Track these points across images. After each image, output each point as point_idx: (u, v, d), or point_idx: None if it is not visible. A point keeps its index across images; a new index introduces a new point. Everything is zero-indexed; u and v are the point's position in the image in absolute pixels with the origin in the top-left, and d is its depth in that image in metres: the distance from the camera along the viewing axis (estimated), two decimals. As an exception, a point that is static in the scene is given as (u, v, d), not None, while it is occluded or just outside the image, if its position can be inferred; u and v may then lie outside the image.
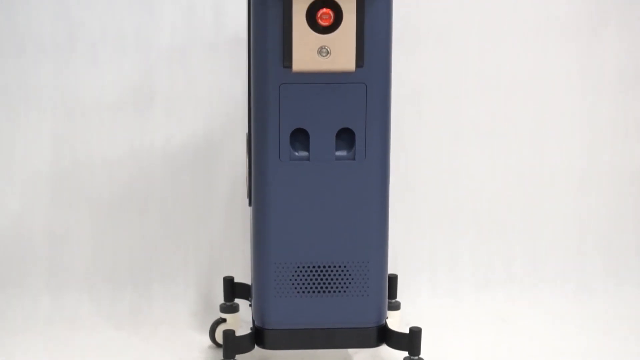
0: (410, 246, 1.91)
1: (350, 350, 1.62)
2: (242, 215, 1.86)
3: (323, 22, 1.36)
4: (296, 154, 1.41)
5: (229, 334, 1.47)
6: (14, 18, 1.81)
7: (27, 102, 1.83)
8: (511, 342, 1.70)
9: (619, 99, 1.91)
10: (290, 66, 1.37)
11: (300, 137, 1.41)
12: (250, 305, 1.56)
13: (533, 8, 1.87)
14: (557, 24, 1.88)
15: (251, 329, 1.49)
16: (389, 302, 1.61)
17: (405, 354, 1.49)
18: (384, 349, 1.54)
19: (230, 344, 1.47)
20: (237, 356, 1.48)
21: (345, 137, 1.41)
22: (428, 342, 1.59)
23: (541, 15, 1.87)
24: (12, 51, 1.82)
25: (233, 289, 1.69)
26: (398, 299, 1.71)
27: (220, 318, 1.67)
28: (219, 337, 1.64)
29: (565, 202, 1.93)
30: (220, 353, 1.59)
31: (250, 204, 1.48)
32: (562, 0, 1.87)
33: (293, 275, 1.45)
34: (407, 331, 1.49)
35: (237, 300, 1.69)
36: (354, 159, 1.42)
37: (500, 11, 1.87)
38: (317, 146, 1.41)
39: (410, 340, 1.48)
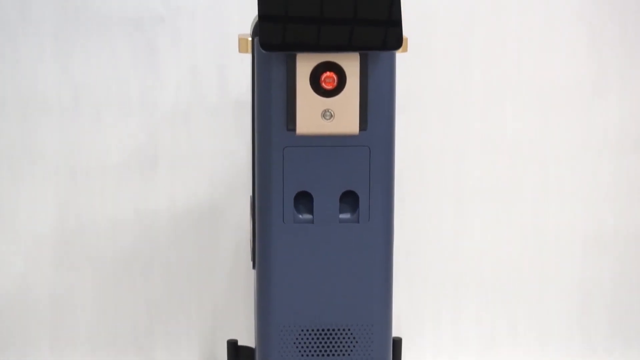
0: (415, 308, 1.90)
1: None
2: (245, 278, 1.86)
3: (327, 86, 1.36)
4: (300, 216, 1.41)
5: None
6: (18, 80, 1.82)
7: (31, 164, 1.84)
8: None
9: (622, 162, 1.91)
10: (294, 129, 1.37)
11: (304, 200, 1.41)
12: (253, 368, 1.56)
13: (535, 71, 1.88)
14: (559, 87, 1.89)
15: (255, 392, 1.49)
16: (393, 365, 1.60)
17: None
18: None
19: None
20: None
21: (349, 199, 1.41)
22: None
23: (543, 79, 1.88)
24: (17, 113, 1.83)
25: (237, 352, 1.68)
26: (402, 361, 1.71)
27: (224, 381, 1.66)
28: (222, 401, 1.63)
29: (570, 264, 1.93)
30: (223, 417, 1.59)
31: (254, 266, 1.47)
32: (564, 64, 1.88)
33: (297, 338, 1.44)
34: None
35: (240, 364, 1.68)
36: (357, 221, 1.41)
37: (503, 75, 1.88)
38: (321, 209, 1.41)
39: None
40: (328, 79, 1.36)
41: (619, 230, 1.93)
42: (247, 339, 1.74)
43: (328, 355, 1.44)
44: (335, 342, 1.44)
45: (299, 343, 1.44)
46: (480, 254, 1.91)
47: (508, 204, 1.91)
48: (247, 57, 1.46)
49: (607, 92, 1.89)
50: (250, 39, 1.39)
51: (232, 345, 1.68)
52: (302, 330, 1.44)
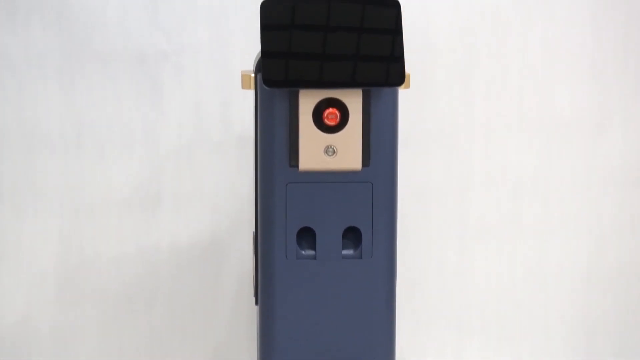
0: (418, 345, 1.89)
1: None
2: (248, 314, 1.85)
3: (329, 122, 1.36)
4: (303, 252, 1.41)
5: None
6: (22, 116, 1.83)
7: (34, 200, 1.84)
8: None
9: (626, 197, 1.91)
10: (297, 165, 1.37)
11: (306, 236, 1.41)
12: (256, 405, 1.55)
13: (537, 106, 1.88)
14: (562, 122, 1.89)
15: None
16: (396, 402, 1.60)
17: None
18: None
19: None
20: None
21: (352, 235, 1.41)
22: None
23: (546, 114, 1.89)
24: (20, 149, 1.83)
25: (239, 389, 1.67)
26: (406, 398, 1.70)
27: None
28: None
29: (573, 301, 1.92)
30: None
31: (256, 302, 1.47)
32: (565, 99, 1.88)
33: (299, 375, 1.44)
34: None
35: (243, 400, 1.68)
36: (360, 257, 1.41)
37: (505, 111, 1.88)
38: (323, 245, 1.40)
39: None
40: (331, 115, 1.36)
41: (622, 266, 1.92)
42: (250, 376, 1.73)
43: (331, 391, 1.44)
44: (338, 379, 1.44)
45: (302, 379, 1.44)
46: (484, 289, 1.91)
47: (511, 240, 1.90)
48: (250, 93, 1.47)
49: (609, 127, 1.90)
50: (253, 75, 1.40)
51: (235, 382, 1.67)
52: (305, 367, 1.44)
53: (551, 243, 1.91)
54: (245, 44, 1.81)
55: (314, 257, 1.41)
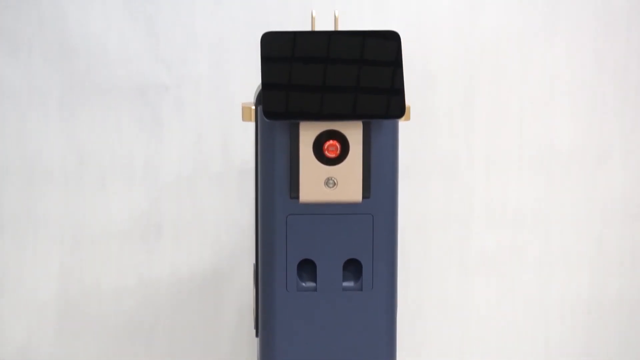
0: (419, 376, 1.89)
1: None
2: (249, 346, 1.85)
3: (330, 154, 1.37)
4: (303, 284, 1.41)
5: None
6: (23, 147, 1.83)
7: (35, 231, 1.84)
8: None
9: (626, 229, 1.91)
10: (297, 197, 1.37)
11: (307, 268, 1.41)
12: None
13: (538, 138, 1.89)
14: (562, 154, 1.89)
15: None
16: None
17: None
18: None
19: None
20: None
21: (352, 267, 1.41)
22: None
23: (546, 146, 1.89)
24: (22, 180, 1.83)
25: (239, 421, 1.67)
26: None
27: None
28: None
29: (574, 333, 1.92)
30: None
31: (257, 334, 1.47)
32: (565, 132, 1.89)
33: (299, 407, 1.43)
34: None
35: None
36: (361, 289, 1.41)
37: (505, 142, 1.88)
38: (324, 277, 1.40)
39: None
40: (331, 147, 1.37)
41: (623, 298, 1.92)
42: (250, 408, 1.73)
43: None
44: (338, 411, 1.43)
45: (302, 412, 1.43)
46: (485, 321, 1.90)
47: (512, 272, 1.90)
48: (251, 125, 1.47)
49: (610, 159, 1.90)
50: (253, 107, 1.40)
51: (235, 414, 1.67)
52: (305, 399, 1.43)
53: (552, 275, 1.91)
54: (246, 76, 1.81)
55: (315, 289, 1.41)
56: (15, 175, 1.83)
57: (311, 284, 1.41)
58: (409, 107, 1.38)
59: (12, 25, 1.81)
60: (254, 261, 1.48)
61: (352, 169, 1.37)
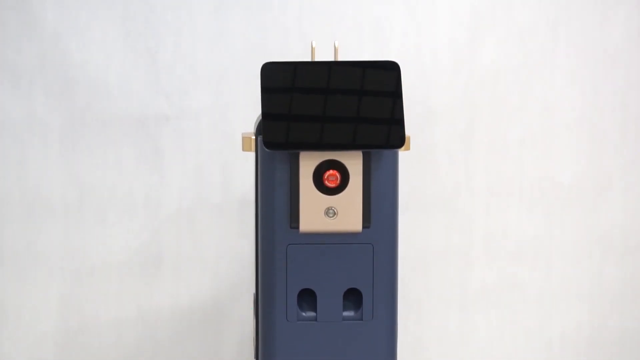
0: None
1: None
2: (248, 377, 1.85)
3: (330, 184, 1.37)
4: (303, 314, 1.41)
5: None
6: (23, 180, 1.83)
7: (35, 264, 1.84)
8: None
9: (627, 262, 1.91)
10: (297, 227, 1.37)
11: (307, 298, 1.41)
12: None
13: (538, 171, 1.89)
14: (562, 187, 1.89)
15: None
16: None
17: None
18: None
19: None
20: None
21: (353, 297, 1.41)
22: None
23: (546, 179, 1.89)
24: (22, 212, 1.84)
25: None
26: None
27: None
28: None
29: (575, 364, 1.92)
30: None
31: (257, 365, 1.47)
32: (565, 164, 1.89)
33: None
34: None
35: None
36: (361, 319, 1.41)
37: (506, 174, 1.88)
38: (324, 307, 1.40)
39: None
40: (331, 177, 1.37)
41: (624, 331, 1.91)
42: None
43: None
44: None
45: None
46: (485, 354, 1.90)
47: (512, 304, 1.90)
48: (251, 156, 1.47)
49: (610, 192, 1.90)
50: (253, 137, 1.40)
51: None
52: None
53: (553, 308, 1.91)
54: (246, 106, 1.82)
55: (315, 319, 1.41)
56: (16, 208, 1.84)
57: (311, 314, 1.41)
58: (409, 137, 1.38)
59: (14, 58, 1.82)
60: (254, 291, 1.48)
61: (352, 198, 1.37)
